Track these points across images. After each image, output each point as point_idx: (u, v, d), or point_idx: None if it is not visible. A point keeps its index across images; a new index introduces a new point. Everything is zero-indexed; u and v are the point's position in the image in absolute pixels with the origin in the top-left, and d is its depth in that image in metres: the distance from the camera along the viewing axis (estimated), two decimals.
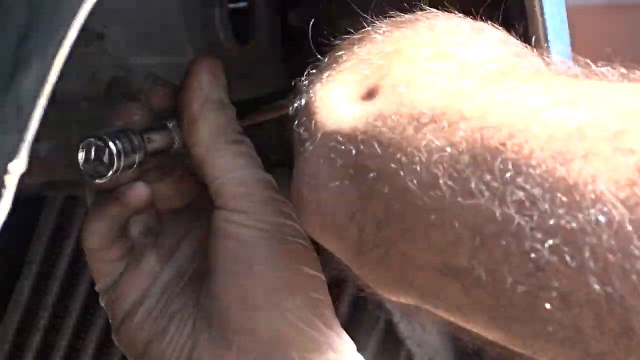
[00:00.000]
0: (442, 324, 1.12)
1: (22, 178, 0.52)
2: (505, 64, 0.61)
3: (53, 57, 0.53)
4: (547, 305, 0.50)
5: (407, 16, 0.68)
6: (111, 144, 0.71)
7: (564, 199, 0.50)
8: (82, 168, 0.73)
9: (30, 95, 0.52)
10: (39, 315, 1.18)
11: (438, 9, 0.68)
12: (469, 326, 0.57)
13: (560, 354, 0.52)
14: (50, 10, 0.54)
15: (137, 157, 0.73)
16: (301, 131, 0.64)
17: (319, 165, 0.62)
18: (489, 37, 0.65)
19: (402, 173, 0.55)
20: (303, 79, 0.69)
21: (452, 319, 0.58)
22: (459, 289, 0.54)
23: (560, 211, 0.50)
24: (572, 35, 0.85)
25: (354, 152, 0.59)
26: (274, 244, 0.73)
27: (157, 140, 0.75)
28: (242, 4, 1.04)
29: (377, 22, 0.68)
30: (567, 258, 0.49)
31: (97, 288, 0.80)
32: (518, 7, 0.80)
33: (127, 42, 0.92)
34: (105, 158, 0.72)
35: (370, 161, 0.58)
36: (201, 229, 0.79)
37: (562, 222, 0.49)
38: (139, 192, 0.76)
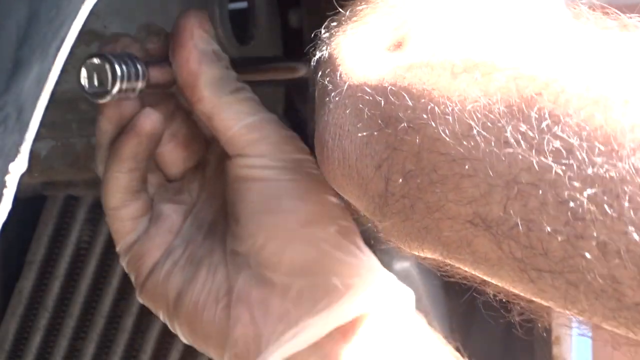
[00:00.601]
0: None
1: (22, 178, 0.52)
2: (536, 11, 0.60)
3: (53, 57, 0.53)
4: (587, 254, 0.50)
5: None
6: (116, 65, 0.70)
7: (603, 147, 0.50)
8: (84, 87, 0.71)
9: (30, 95, 0.52)
10: (39, 315, 1.18)
11: None
12: (494, 280, 0.57)
13: (593, 305, 0.51)
14: (50, 11, 0.54)
15: (139, 84, 0.72)
16: (325, 82, 0.64)
17: (345, 116, 0.62)
18: None
19: (434, 124, 0.55)
20: (323, 31, 0.68)
21: (477, 272, 0.57)
22: (489, 240, 0.54)
23: (599, 160, 0.50)
24: None
25: (382, 103, 0.59)
26: (299, 178, 0.74)
27: (159, 73, 0.74)
28: (242, 4, 1.04)
29: None
30: (606, 207, 0.49)
31: (117, 249, 0.81)
32: None
33: None
34: (109, 78, 0.70)
35: (400, 112, 0.58)
36: (208, 176, 0.80)
37: (601, 171, 0.49)
38: (150, 116, 0.75)
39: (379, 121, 0.59)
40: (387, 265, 1.13)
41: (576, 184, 0.50)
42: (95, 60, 0.71)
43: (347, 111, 0.61)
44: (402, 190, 0.58)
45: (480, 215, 0.54)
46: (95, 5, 0.56)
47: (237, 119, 0.74)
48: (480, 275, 0.57)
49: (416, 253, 0.61)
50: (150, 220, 0.79)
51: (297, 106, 1.11)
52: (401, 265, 1.15)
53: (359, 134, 0.60)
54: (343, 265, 0.74)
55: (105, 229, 1.18)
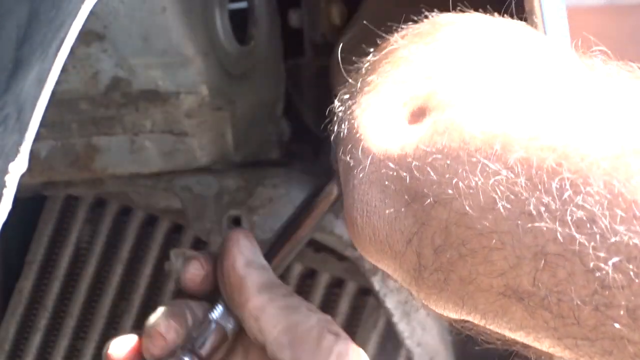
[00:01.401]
0: (443, 324, 1.12)
1: (22, 178, 0.52)
2: (546, 73, 0.60)
3: (53, 57, 0.53)
4: (617, 323, 0.50)
5: (424, 27, 0.67)
6: None
7: (624, 214, 0.50)
8: None
9: (30, 95, 0.52)
10: (39, 315, 1.18)
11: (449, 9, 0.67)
12: (533, 344, 0.57)
13: None
14: (50, 11, 0.54)
15: None
16: (347, 158, 0.64)
17: (371, 193, 0.62)
18: (518, 37, 0.64)
19: (459, 198, 0.56)
20: (337, 104, 0.68)
21: (517, 338, 0.58)
22: (522, 310, 0.55)
23: (621, 228, 0.50)
24: (572, 36, 0.85)
25: (408, 178, 0.59)
26: None
27: (210, 341, 0.79)
28: (242, 4, 1.04)
29: (394, 35, 0.68)
30: (632, 275, 0.50)
31: None
32: (518, 7, 0.80)
33: (127, 42, 0.92)
34: None
35: (425, 187, 0.58)
36: None
37: (625, 238, 0.50)
38: None
39: (406, 197, 0.59)
40: None
41: (601, 254, 0.51)
42: None
43: (373, 188, 0.61)
44: (434, 264, 0.58)
45: (511, 287, 0.55)
46: (95, 5, 0.56)
47: (278, 324, 0.77)
48: (521, 341, 0.58)
49: (454, 318, 0.61)
50: None
51: (297, 106, 1.11)
52: None
53: (387, 211, 0.60)
54: None
55: (105, 229, 1.18)
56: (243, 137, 1.04)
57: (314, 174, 1.09)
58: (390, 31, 0.69)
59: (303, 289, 1.13)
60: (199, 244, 1.15)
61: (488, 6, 0.68)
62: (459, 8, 0.68)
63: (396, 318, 1.10)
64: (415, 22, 0.68)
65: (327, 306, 1.12)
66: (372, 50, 0.69)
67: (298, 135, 1.12)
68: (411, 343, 1.11)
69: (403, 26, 0.68)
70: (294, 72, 1.10)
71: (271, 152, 1.10)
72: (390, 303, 1.09)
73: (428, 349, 1.12)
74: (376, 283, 1.08)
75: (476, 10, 0.67)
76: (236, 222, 1.07)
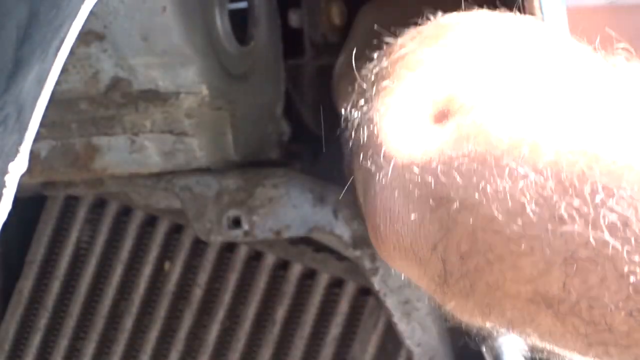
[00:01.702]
0: (442, 324, 1.12)
1: (22, 178, 0.52)
2: (569, 72, 0.60)
3: (53, 57, 0.53)
4: None
5: (431, 29, 0.67)
6: None
7: None
8: None
9: (30, 95, 0.52)
10: (39, 315, 1.18)
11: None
12: (561, 350, 0.57)
13: None
14: (50, 11, 0.54)
15: None
16: (368, 165, 0.62)
17: (394, 199, 0.60)
18: (532, 34, 0.63)
19: (486, 203, 0.55)
20: (352, 111, 0.67)
21: (543, 344, 0.57)
22: (552, 316, 0.54)
23: None
24: (572, 36, 0.85)
25: (433, 183, 0.58)
26: None
27: None
28: (242, 4, 1.04)
29: (401, 39, 0.67)
30: None
31: None
32: (517, 7, 0.80)
33: (127, 42, 0.92)
34: None
35: (452, 192, 0.56)
36: None
37: None
38: None
39: (431, 202, 0.58)
40: (386, 265, 1.13)
41: (635, 257, 0.50)
42: None
43: (396, 193, 0.60)
44: (460, 271, 0.57)
45: (540, 293, 0.54)
46: (95, 5, 0.56)
47: None
48: (548, 346, 0.57)
49: (479, 324, 0.60)
50: None
51: (297, 106, 1.12)
52: None
53: (411, 217, 0.59)
54: None
55: (105, 229, 1.18)
56: (243, 137, 1.04)
57: (314, 174, 1.09)
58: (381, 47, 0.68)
59: (303, 289, 1.13)
60: (198, 244, 1.16)
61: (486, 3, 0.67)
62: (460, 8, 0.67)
63: (396, 318, 1.10)
64: (419, 25, 0.67)
65: (327, 306, 1.12)
66: (376, 55, 0.69)
67: (298, 135, 1.12)
68: (411, 343, 1.11)
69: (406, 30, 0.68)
70: (294, 72, 1.10)
71: (271, 152, 1.10)
72: (390, 303, 1.09)
73: (428, 349, 1.12)
74: (376, 283, 1.08)
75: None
76: (236, 222, 1.07)
